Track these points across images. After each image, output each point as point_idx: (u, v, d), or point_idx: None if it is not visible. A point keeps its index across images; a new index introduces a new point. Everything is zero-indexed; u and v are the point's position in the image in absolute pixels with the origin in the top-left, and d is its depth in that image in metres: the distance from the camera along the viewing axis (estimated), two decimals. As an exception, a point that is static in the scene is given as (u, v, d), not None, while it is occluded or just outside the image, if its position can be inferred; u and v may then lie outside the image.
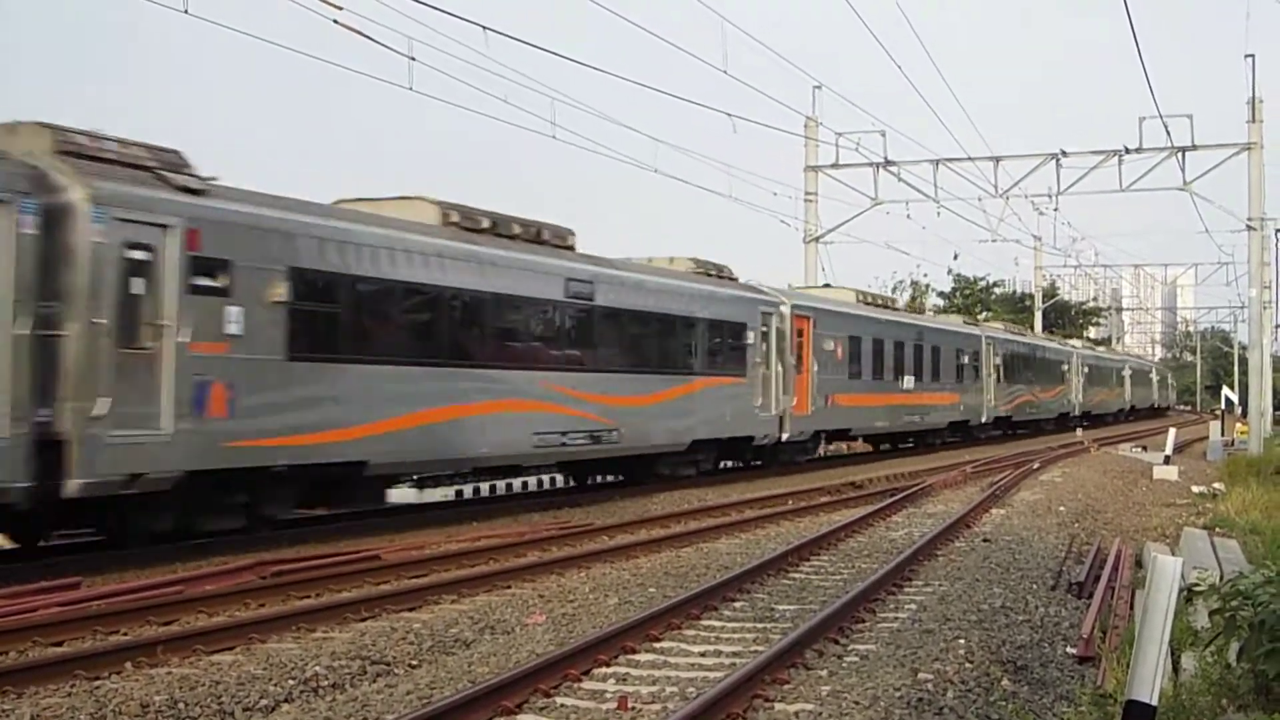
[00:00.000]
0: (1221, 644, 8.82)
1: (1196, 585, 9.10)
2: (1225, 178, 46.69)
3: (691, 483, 28.44)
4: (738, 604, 13.61)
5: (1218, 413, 61.68)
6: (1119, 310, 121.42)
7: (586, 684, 9.98)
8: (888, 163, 43.88)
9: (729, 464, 32.66)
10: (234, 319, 16.41)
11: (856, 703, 9.31)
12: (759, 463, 32.82)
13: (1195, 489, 28.84)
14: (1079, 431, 58.25)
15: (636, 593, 14.28)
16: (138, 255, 15.21)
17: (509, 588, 14.59)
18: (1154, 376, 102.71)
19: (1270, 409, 50.78)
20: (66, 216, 14.52)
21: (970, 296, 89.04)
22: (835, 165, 44.79)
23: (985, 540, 19.18)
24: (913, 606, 13.53)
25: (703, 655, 11.13)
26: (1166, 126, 40.53)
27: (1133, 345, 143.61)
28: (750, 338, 30.11)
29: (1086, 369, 69.43)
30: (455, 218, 21.46)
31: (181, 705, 9.21)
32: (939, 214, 46.79)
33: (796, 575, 15.79)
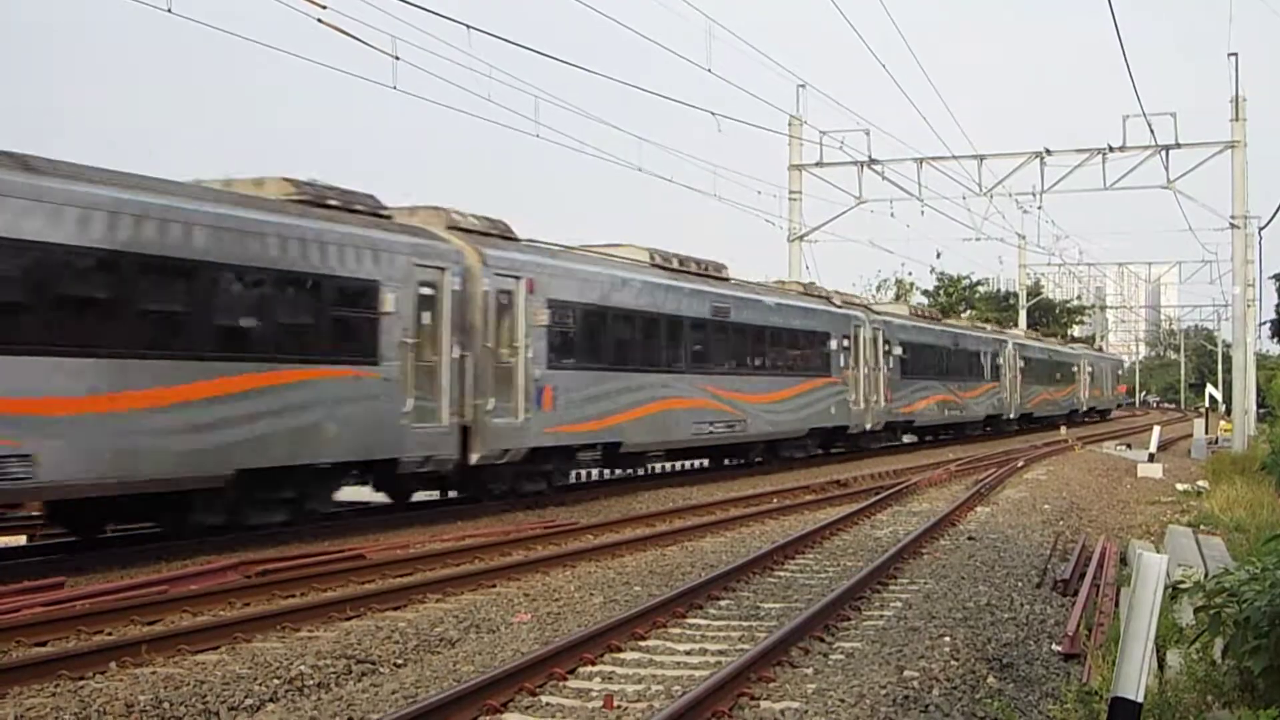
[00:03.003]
0: (1206, 641, 8.85)
1: (1181, 582, 9.13)
2: (1209, 176, 46.83)
3: (677, 481, 28.42)
4: (723, 602, 13.61)
5: (1202, 410, 61.86)
6: (1103, 308, 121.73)
7: (572, 683, 9.97)
8: (872, 161, 43.93)
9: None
10: None
11: (842, 700, 9.31)
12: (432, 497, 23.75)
13: (1180, 487, 28.92)
14: (1063, 429, 58.28)
15: (622, 591, 14.27)
16: None
17: (494, 587, 14.58)
18: (1120, 372, 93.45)
19: (1254, 407, 50.91)
20: None
21: (954, 295, 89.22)
22: (819, 164, 44.83)
23: (970, 538, 19.22)
24: (898, 604, 13.55)
25: (688, 654, 11.13)
26: (1150, 125, 40.65)
27: (1117, 343, 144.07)
28: (385, 304, 19.41)
29: (1024, 362, 58.63)
30: None
31: (166, 705, 9.18)
32: (923, 213, 46.90)
33: (782, 573, 15.80)
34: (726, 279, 31.90)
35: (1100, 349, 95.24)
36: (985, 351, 53.08)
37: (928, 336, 45.97)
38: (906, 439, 46.84)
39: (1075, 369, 71.95)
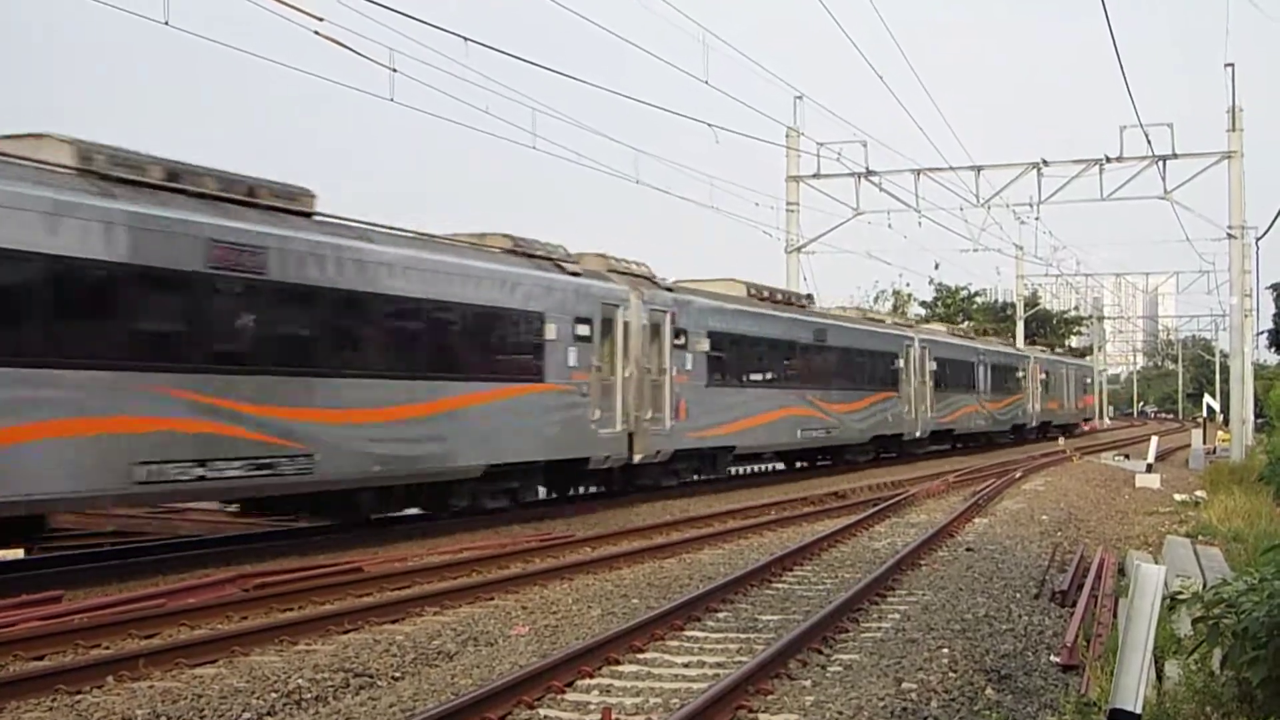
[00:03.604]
0: (1205, 652, 8.84)
1: (1179, 593, 9.12)
2: (1206, 186, 46.84)
3: (674, 493, 28.31)
4: (721, 614, 13.60)
5: (1199, 421, 61.77)
6: (1101, 319, 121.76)
7: (570, 695, 9.96)
8: (869, 173, 44.02)
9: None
10: None
11: (840, 712, 9.30)
12: None
13: (1178, 497, 28.92)
14: (1061, 440, 58.16)
15: (619, 604, 14.26)
16: None
17: (492, 599, 14.56)
18: (1088, 380, 79.00)
19: (1252, 417, 50.93)
20: None
21: (952, 306, 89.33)
22: (817, 175, 44.91)
23: (968, 549, 19.21)
24: (896, 616, 13.54)
25: (686, 666, 11.12)
26: (1147, 135, 40.71)
27: (1115, 354, 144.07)
28: None
29: (938, 365, 45.57)
30: None
31: (164, 719, 9.17)
32: (920, 224, 46.91)
33: (780, 585, 15.79)
34: (303, 213, 18.83)
35: (1057, 349, 79.55)
36: (876, 351, 40.75)
37: (767, 327, 33.10)
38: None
39: (1021, 374, 59.11)
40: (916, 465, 41.07)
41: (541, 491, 25.76)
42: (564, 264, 24.59)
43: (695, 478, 30.25)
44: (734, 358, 30.90)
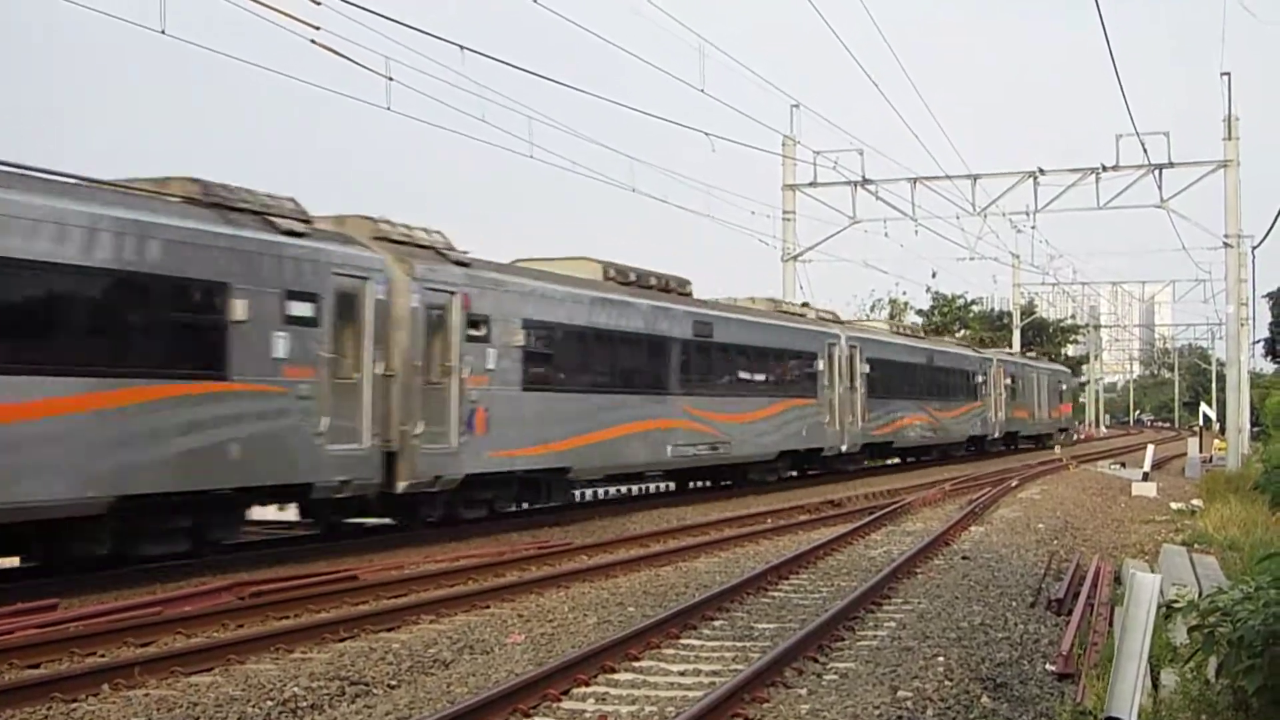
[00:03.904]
0: (1200, 660, 8.85)
1: (1175, 602, 9.12)
2: (1202, 194, 46.87)
3: (672, 501, 28.28)
4: (717, 623, 13.60)
5: (1196, 429, 61.79)
6: (1097, 328, 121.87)
7: (566, 704, 9.96)
8: (865, 181, 44.07)
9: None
10: None
11: (836, 721, 9.32)
12: None
13: (1174, 505, 28.92)
14: (1057, 449, 58.12)
15: (616, 612, 14.26)
16: None
17: (488, 607, 14.56)
18: (1064, 386, 72.10)
19: (1248, 425, 50.97)
20: None
21: (949, 314, 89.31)
22: (813, 184, 45.00)
23: (964, 558, 19.21)
24: (892, 624, 13.54)
25: (682, 674, 11.11)
26: (1143, 144, 40.81)
27: (1111, 362, 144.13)
28: None
29: (872, 368, 39.22)
30: None
31: (159, 727, 9.17)
32: (917, 232, 46.97)
33: (776, 594, 15.79)
34: None
35: (1027, 353, 71.05)
36: (785, 349, 34.25)
37: (620, 317, 26.13)
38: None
39: (981, 380, 52.84)
40: (913, 473, 41.03)
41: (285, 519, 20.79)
42: (278, 220, 17.91)
43: (521, 506, 24.12)
44: (568, 355, 24.44)
